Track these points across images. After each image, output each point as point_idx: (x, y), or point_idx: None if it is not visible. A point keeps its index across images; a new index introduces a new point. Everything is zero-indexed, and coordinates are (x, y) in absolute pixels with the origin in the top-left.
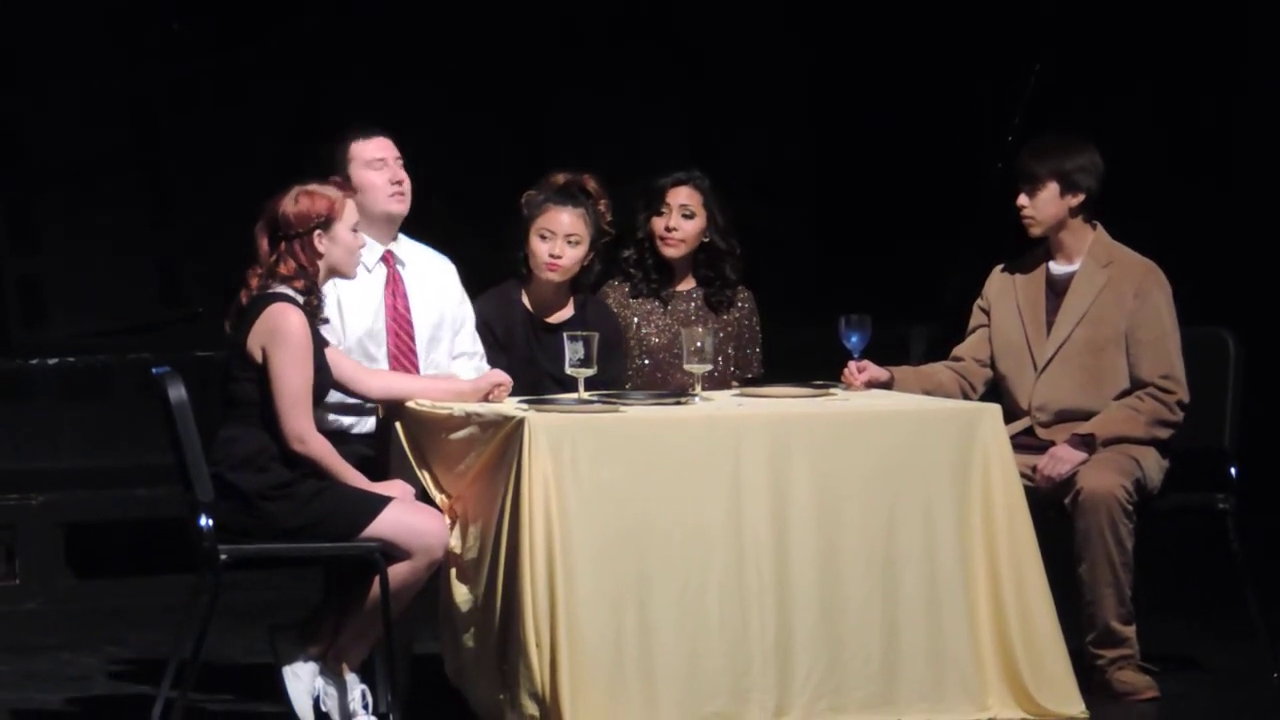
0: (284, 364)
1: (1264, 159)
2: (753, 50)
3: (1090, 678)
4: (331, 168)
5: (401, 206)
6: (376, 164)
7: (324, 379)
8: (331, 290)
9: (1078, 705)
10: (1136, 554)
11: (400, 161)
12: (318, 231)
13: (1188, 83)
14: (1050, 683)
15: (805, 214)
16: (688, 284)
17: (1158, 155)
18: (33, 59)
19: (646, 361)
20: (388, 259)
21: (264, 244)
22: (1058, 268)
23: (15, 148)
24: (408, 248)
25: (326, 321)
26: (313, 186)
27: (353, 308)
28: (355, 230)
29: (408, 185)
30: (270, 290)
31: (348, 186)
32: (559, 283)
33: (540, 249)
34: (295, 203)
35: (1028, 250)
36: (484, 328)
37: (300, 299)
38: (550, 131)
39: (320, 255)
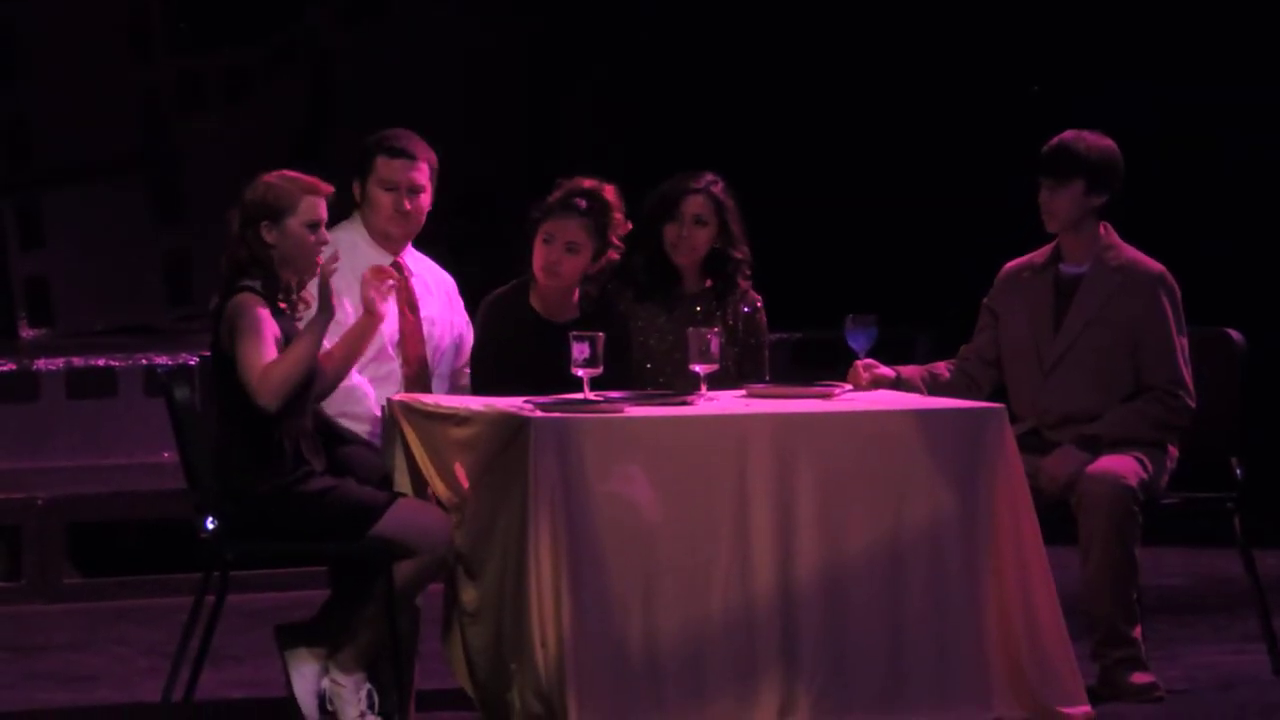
0: (240, 341)
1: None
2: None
3: (1095, 678)
4: (359, 165)
5: (399, 229)
6: (389, 185)
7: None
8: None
9: (1083, 706)
10: (1142, 554)
11: (418, 190)
12: (265, 222)
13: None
14: (1056, 683)
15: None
16: (694, 288)
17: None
18: (40, 57)
19: (649, 365)
20: (400, 265)
21: (233, 225)
22: (1067, 269)
23: (23, 147)
24: (415, 259)
25: (297, 317)
26: (280, 177)
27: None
28: (314, 227)
29: (418, 211)
30: (236, 286)
31: (324, 185)
32: (562, 287)
33: (540, 253)
34: (255, 189)
35: (1036, 249)
36: (490, 327)
37: (262, 291)
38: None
39: (268, 246)
